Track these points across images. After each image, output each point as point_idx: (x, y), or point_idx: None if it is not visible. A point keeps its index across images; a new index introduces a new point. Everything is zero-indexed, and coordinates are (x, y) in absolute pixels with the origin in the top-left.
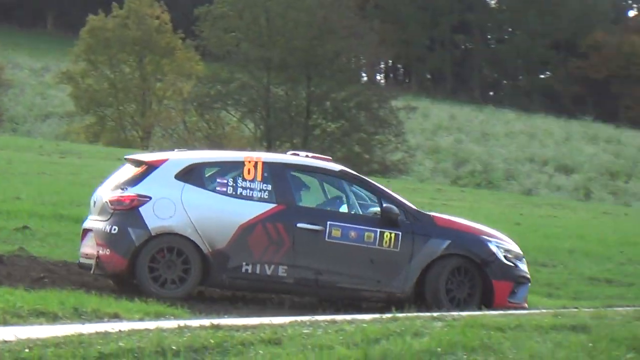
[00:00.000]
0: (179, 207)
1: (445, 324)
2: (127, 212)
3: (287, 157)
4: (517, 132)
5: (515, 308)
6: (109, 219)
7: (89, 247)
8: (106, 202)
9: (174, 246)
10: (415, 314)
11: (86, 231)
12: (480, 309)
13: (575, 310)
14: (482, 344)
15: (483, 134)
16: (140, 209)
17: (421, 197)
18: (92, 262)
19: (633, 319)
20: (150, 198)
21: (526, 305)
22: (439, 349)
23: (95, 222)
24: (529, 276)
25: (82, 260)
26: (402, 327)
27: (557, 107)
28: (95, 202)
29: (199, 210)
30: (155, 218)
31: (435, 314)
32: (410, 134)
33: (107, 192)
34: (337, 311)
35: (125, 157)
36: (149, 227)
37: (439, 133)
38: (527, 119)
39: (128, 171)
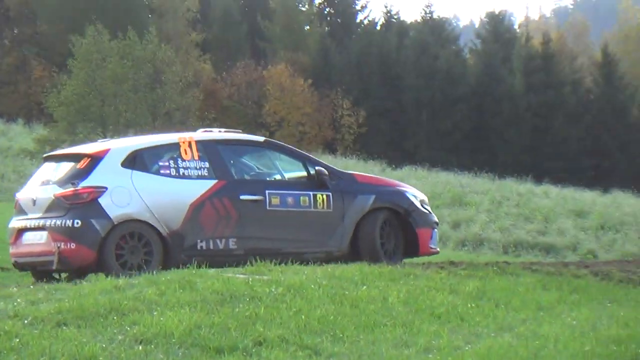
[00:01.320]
0: (133, 194)
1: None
2: (86, 204)
3: (216, 134)
4: None
5: (433, 253)
6: (66, 214)
7: (37, 246)
8: (58, 197)
9: (134, 232)
10: None
11: (21, 231)
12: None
13: None
14: None
15: None
16: (99, 200)
17: None
18: (48, 258)
19: None
20: (106, 188)
21: (438, 249)
22: None
23: (43, 219)
24: (437, 221)
25: (19, 260)
26: None
27: None
28: (35, 201)
29: (151, 194)
30: (115, 207)
31: None
32: None
33: (48, 189)
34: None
35: (51, 154)
36: (111, 217)
37: None
38: None
39: (64, 167)
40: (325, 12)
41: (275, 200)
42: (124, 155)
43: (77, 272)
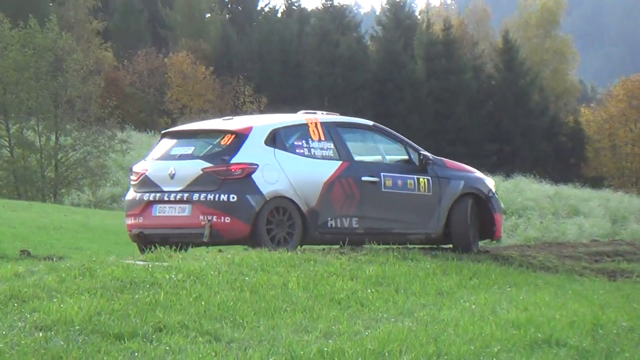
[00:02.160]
0: (279, 171)
1: None
2: (240, 180)
3: (334, 116)
4: None
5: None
6: (219, 189)
7: (177, 218)
8: (208, 172)
9: (280, 207)
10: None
11: (151, 203)
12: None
13: None
14: None
15: None
16: (252, 176)
17: None
18: (193, 231)
19: None
20: (257, 165)
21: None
22: None
23: (187, 193)
24: None
25: (145, 231)
26: None
27: None
28: (173, 175)
29: (293, 172)
30: (265, 184)
31: None
32: None
33: (190, 164)
34: None
35: (174, 130)
36: (263, 193)
37: None
38: None
39: (204, 143)
40: (226, 0)
41: (389, 182)
42: (266, 134)
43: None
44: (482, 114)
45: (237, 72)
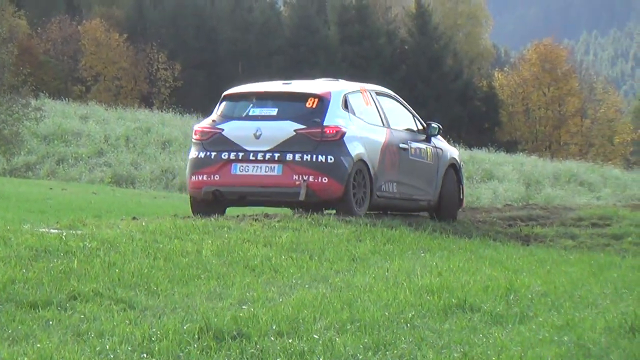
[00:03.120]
0: (357, 135)
1: None
2: (334, 142)
3: (373, 85)
4: None
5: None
6: (315, 150)
7: (266, 178)
8: (303, 134)
9: (360, 170)
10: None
11: (231, 162)
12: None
13: None
14: None
15: None
16: (344, 139)
17: None
18: (285, 190)
19: None
20: (346, 128)
21: None
22: None
23: (278, 153)
24: None
25: (222, 189)
26: None
27: None
28: (258, 136)
29: (363, 137)
30: (352, 146)
31: None
32: None
33: (275, 125)
34: None
35: (242, 91)
36: (352, 155)
37: None
38: None
39: (285, 105)
40: None
41: (413, 150)
42: (341, 98)
43: (316, 206)
44: (396, 78)
45: (151, 38)
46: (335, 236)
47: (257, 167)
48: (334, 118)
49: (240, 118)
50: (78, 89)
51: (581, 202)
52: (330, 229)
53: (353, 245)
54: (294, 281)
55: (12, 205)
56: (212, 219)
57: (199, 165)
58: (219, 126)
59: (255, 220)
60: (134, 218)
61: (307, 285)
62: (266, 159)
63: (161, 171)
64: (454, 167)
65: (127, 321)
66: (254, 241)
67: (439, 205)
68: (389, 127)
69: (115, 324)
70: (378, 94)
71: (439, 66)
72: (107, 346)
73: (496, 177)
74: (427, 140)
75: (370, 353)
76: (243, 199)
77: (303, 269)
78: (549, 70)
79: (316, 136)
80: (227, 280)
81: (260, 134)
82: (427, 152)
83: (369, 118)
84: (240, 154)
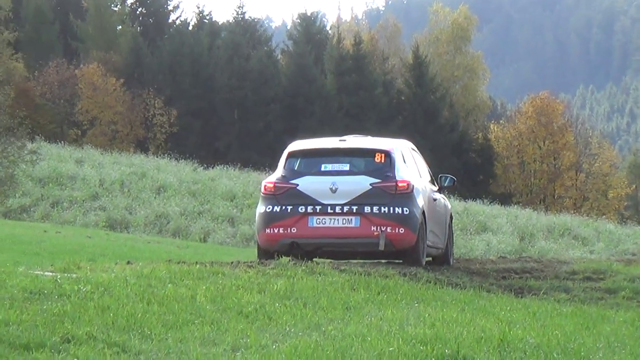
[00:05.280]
0: (419, 188)
1: None
2: (407, 195)
3: (405, 141)
4: None
5: None
6: (391, 202)
7: (344, 230)
8: (379, 188)
9: (422, 222)
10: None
11: (308, 215)
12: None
13: None
14: None
15: None
16: (413, 192)
17: None
18: (364, 240)
19: None
20: (412, 182)
21: None
22: None
23: (356, 206)
24: None
25: (299, 240)
26: None
27: None
28: (334, 190)
29: (422, 190)
30: (419, 199)
31: None
32: None
33: (351, 180)
34: None
35: (306, 148)
36: (420, 206)
37: None
38: None
39: (356, 160)
40: (138, 12)
41: (436, 201)
42: (400, 154)
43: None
44: (392, 129)
45: (148, 84)
46: (329, 284)
47: (334, 219)
48: (402, 172)
49: (314, 173)
50: (74, 133)
51: (575, 256)
52: (325, 277)
53: (347, 294)
54: (287, 328)
55: (7, 247)
56: (206, 264)
57: (273, 219)
58: (293, 181)
59: (250, 267)
60: (128, 262)
61: (300, 333)
62: (344, 211)
63: (155, 216)
64: (451, 217)
65: None
66: (248, 288)
67: (445, 252)
68: (423, 179)
69: None
70: (412, 149)
71: (435, 117)
72: None
73: (490, 229)
74: (439, 191)
75: None
76: (317, 250)
77: (297, 316)
78: (544, 123)
79: (391, 189)
80: (220, 326)
81: (337, 188)
82: (441, 203)
83: (415, 172)
84: (318, 207)
